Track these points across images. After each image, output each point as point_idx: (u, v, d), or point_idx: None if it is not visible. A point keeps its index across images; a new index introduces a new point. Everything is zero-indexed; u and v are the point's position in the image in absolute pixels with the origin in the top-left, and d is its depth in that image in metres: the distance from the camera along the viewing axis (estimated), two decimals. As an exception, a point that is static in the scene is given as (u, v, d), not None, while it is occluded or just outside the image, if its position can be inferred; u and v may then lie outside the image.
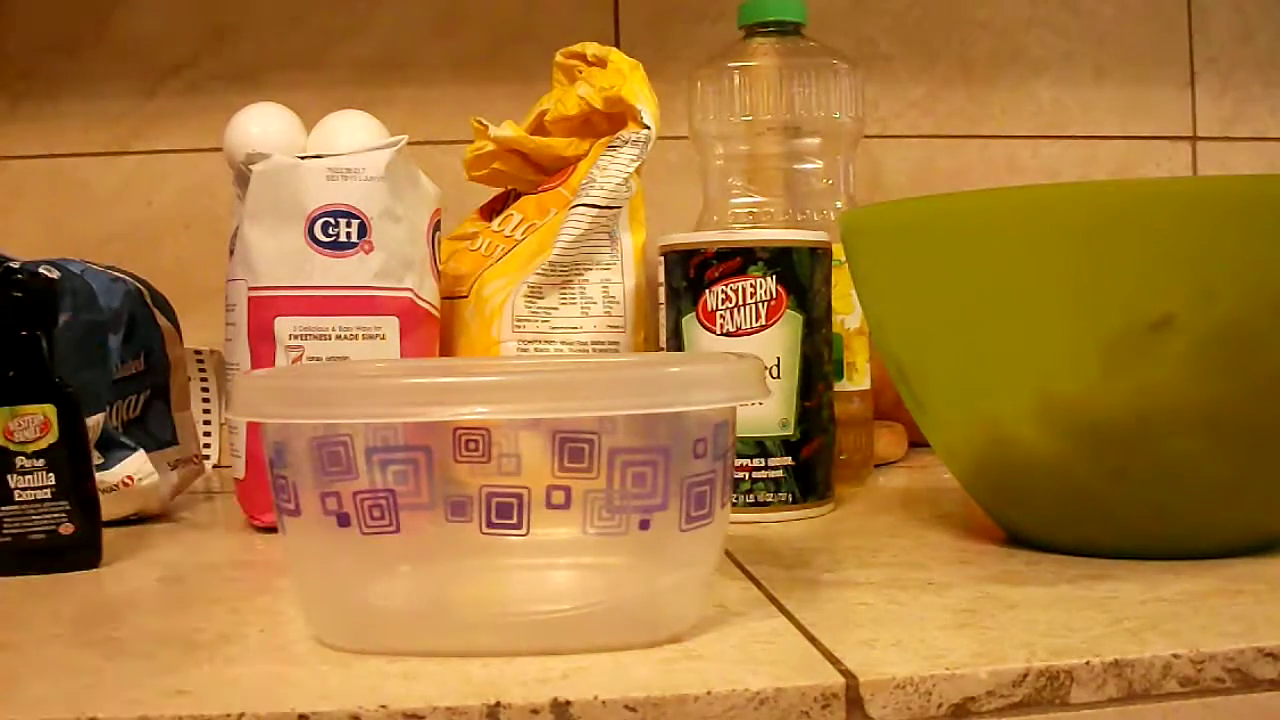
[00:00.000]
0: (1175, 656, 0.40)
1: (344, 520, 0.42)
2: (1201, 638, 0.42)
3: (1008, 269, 0.51)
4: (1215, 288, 0.48)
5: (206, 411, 0.91)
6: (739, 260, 0.67)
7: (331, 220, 0.67)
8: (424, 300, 0.69)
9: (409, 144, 0.70)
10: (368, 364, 0.61)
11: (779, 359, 0.67)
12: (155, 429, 0.74)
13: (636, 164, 0.75)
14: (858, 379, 0.81)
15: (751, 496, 0.67)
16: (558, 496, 0.43)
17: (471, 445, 0.44)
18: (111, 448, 0.68)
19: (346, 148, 0.69)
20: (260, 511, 0.67)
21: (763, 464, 0.67)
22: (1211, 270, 0.48)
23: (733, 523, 0.64)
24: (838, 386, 0.76)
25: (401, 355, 0.68)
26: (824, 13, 1.05)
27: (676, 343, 0.69)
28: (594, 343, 0.75)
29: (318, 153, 0.68)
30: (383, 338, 0.67)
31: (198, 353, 0.90)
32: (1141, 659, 0.40)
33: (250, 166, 0.67)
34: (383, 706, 0.37)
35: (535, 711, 0.38)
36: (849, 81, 0.85)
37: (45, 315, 0.58)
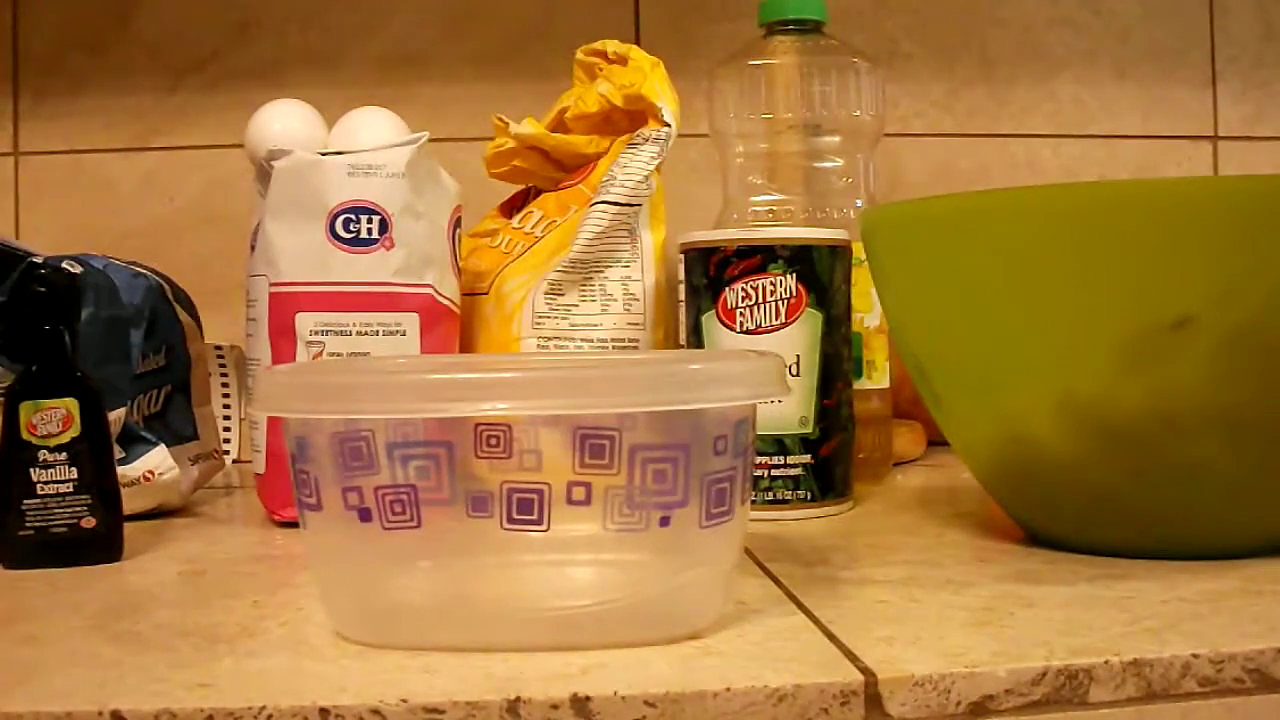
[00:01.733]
0: (1195, 656, 0.40)
1: (365, 515, 0.43)
2: (1221, 638, 0.42)
3: (1028, 268, 0.51)
4: (1236, 288, 0.48)
5: (226, 407, 0.92)
6: (759, 258, 0.67)
7: (353, 216, 0.67)
8: (444, 297, 0.70)
9: (430, 141, 0.70)
10: (389, 360, 0.62)
11: (798, 357, 0.67)
12: (176, 424, 0.74)
13: (657, 161, 0.75)
14: (877, 377, 0.81)
15: (771, 494, 0.67)
16: (578, 493, 0.43)
17: (492, 441, 0.44)
18: (132, 442, 0.68)
19: (368, 144, 0.69)
20: (280, 506, 0.68)
21: (782, 462, 0.67)
22: (1232, 271, 0.48)
23: (752, 520, 0.64)
24: (857, 385, 0.76)
25: (422, 351, 0.68)
26: (845, 11, 1.05)
27: (696, 340, 0.69)
28: (613, 340, 0.75)
29: (339, 149, 0.69)
30: (403, 334, 0.68)
31: (218, 348, 0.90)
32: (1161, 658, 0.40)
33: (272, 163, 0.68)
34: (403, 700, 0.38)
35: (555, 707, 0.38)
36: (869, 80, 0.85)
37: (68, 310, 0.59)
